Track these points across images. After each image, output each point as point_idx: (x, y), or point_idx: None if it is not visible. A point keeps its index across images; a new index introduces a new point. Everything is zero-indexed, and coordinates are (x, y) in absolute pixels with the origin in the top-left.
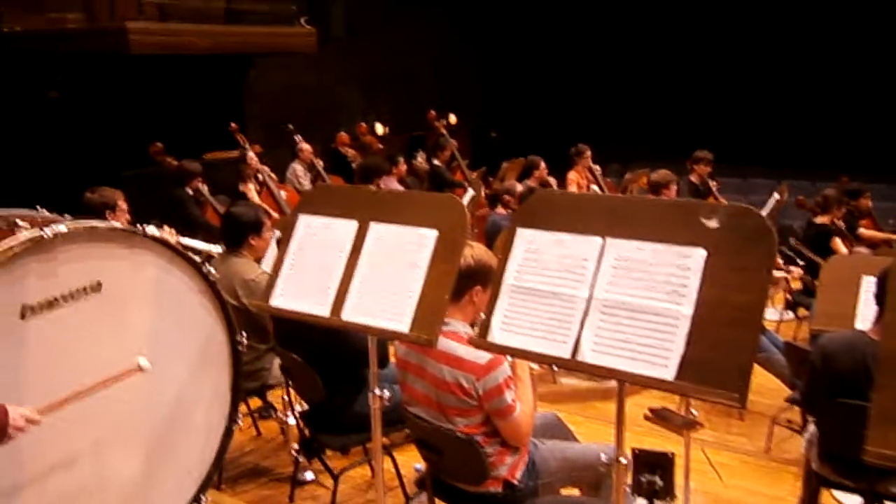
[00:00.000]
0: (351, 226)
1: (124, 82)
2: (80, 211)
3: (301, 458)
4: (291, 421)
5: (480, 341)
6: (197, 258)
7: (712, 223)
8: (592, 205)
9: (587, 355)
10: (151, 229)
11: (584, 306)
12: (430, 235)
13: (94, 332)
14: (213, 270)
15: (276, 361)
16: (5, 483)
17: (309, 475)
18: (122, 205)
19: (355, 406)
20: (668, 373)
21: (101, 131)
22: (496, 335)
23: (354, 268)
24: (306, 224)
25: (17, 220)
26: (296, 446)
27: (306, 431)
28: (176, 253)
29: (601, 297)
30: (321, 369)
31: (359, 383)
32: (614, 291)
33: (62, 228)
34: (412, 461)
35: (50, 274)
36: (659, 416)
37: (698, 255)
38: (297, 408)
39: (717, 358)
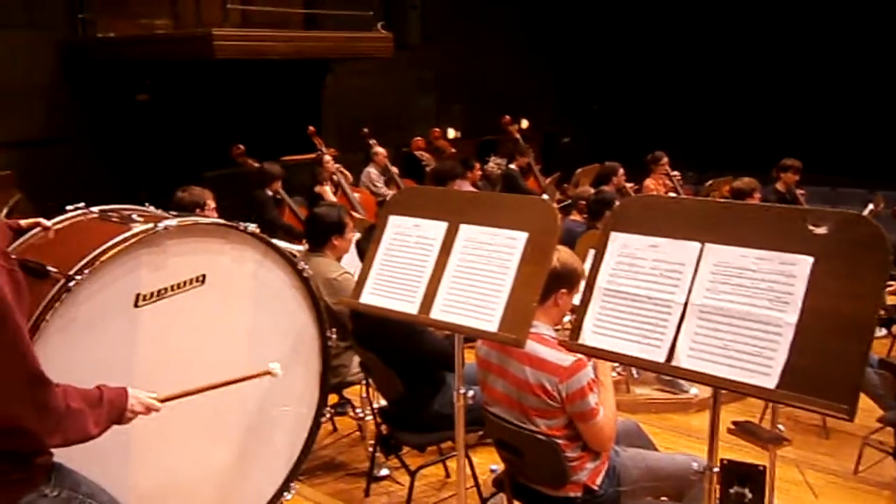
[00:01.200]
0: (441, 227)
1: (208, 86)
2: (169, 209)
3: (378, 454)
4: (369, 417)
5: (571, 343)
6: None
7: (821, 230)
8: (689, 210)
9: (683, 360)
10: (251, 226)
11: (680, 311)
12: (519, 237)
13: (197, 322)
14: (306, 267)
15: (356, 359)
16: (113, 464)
17: (384, 471)
18: (211, 203)
19: (434, 405)
20: (770, 381)
21: (186, 133)
22: (588, 337)
23: (444, 268)
24: (396, 224)
25: (132, 216)
26: (372, 442)
27: (383, 428)
28: (273, 249)
29: (699, 302)
30: (398, 368)
31: (436, 383)
32: (713, 297)
33: (172, 223)
34: (486, 462)
35: (161, 266)
36: (744, 430)
37: (805, 263)
38: (375, 405)
39: (824, 368)
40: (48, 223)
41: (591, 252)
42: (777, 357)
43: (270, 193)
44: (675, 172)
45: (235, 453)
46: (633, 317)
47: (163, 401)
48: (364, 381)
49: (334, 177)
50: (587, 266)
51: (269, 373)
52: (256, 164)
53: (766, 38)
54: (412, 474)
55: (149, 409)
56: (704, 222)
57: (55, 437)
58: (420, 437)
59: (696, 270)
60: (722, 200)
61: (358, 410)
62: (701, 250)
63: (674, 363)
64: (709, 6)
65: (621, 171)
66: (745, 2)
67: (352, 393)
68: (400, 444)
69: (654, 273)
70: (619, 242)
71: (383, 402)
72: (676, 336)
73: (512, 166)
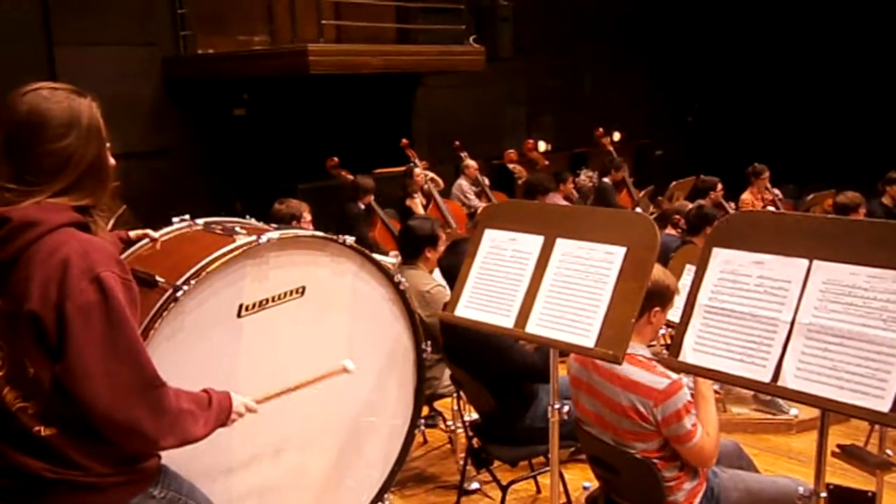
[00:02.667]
0: (537, 240)
1: (302, 100)
2: (266, 220)
3: (468, 467)
4: (460, 430)
5: (672, 361)
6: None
7: None
8: (795, 225)
9: (790, 381)
10: (350, 239)
11: (786, 330)
12: (618, 252)
13: (296, 333)
14: (403, 280)
15: (447, 371)
16: (217, 466)
17: (475, 485)
18: (307, 216)
19: (526, 419)
20: (884, 404)
21: (281, 146)
22: (689, 355)
23: (540, 282)
24: (491, 238)
25: (236, 227)
26: (462, 455)
27: (475, 441)
28: (369, 261)
29: (806, 321)
30: (487, 383)
31: (526, 396)
32: (822, 316)
33: (274, 235)
34: (578, 479)
35: (263, 277)
36: (850, 454)
37: None
38: (466, 417)
39: None
40: (156, 235)
41: (688, 267)
42: (891, 380)
43: (362, 206)
44: (776, 190)
45: (330, 463)
46: (736, 335)
47: (259, 402)
48: (455, 394)
49: (425, 187)
50: (686, 282)
51: (345, 370)
52: (350, 177)
53: (868, 47)
54: (503, 489)
55: (248, 410)
56: (812, 238)
57: (169, 439)
58: (511, 451)
59: (803, 288)
60: (830, 216)
61: (449, 423)
62: (809, 267)
63: (780, 383)
64: (806, 15)
65: (720, 185)
66: (844, 10)
67: (443, 405)
68: (491, 457)
69: (758, 290)
70: (721, 258)
71: (474, 415)
72: (783, 355)
73: (606, 180)
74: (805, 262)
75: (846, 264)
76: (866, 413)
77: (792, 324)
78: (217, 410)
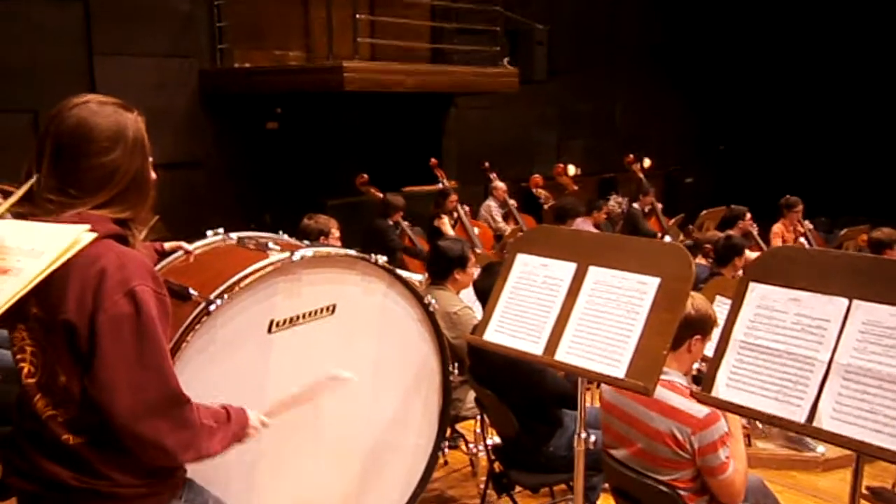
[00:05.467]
0: (569, 267)
1: (335, 116)
2: (295, 235)
3: (489, 491)
4: (482, 453)
5: (705, 396)
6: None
7: None
8: (835, 263)
9: (825, 422)
10: (381, 258)
11: (823, 370)
12: (651, 283)
13: (324, 350)
14: (433, 301)
15: (471, 393)
16: (240, 481)
17: None
18: (336, 232)
19: (550, 446)
20: None
21: (312, 161)
22: (721, 391)
23: (571, 309)
24: (523, 263)
25: (269, 243)
26: (483, 479)
27: (496, 465)
28: (399, 281)
29: (845, 361)
30: (514, 406)
31: (552, 423)
32: (861, 357)
33: (308, 253)
34: None
35: (295, 294)
36: (879, 497)
37: None
38: (489, 440)
39: None
40: (190, 247)
41: (718, 298)
42: None
43: (391, 223)
44: (808, 224)
45: (353, 481)
46: (771, 372)
47: (268, 414)
48: (478, 416)
49: (454, 212)
50: (720, 314)
51: (341, 378)
52: (379, 194)
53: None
54: None
55: (262, 425)
56: (852, 277)
57: (189, 453)
58: (534, 477)
59: (842, 328)
60: (871, 255)
61: (471, 445)
62: (848, 307)
63: (815, 424)
64: (840, 45)
65: (748, 215)
66: (878, 43)
67: (465, 427)
68: (512, 482)
69: (795, 328)
70: (757, 293)
71: (497, 439)
72: (819, 396)
73: (635, 205)
74: (845, 301)
75: (887, 305)
76: None
77: (829, 364)
78: (234, 426)
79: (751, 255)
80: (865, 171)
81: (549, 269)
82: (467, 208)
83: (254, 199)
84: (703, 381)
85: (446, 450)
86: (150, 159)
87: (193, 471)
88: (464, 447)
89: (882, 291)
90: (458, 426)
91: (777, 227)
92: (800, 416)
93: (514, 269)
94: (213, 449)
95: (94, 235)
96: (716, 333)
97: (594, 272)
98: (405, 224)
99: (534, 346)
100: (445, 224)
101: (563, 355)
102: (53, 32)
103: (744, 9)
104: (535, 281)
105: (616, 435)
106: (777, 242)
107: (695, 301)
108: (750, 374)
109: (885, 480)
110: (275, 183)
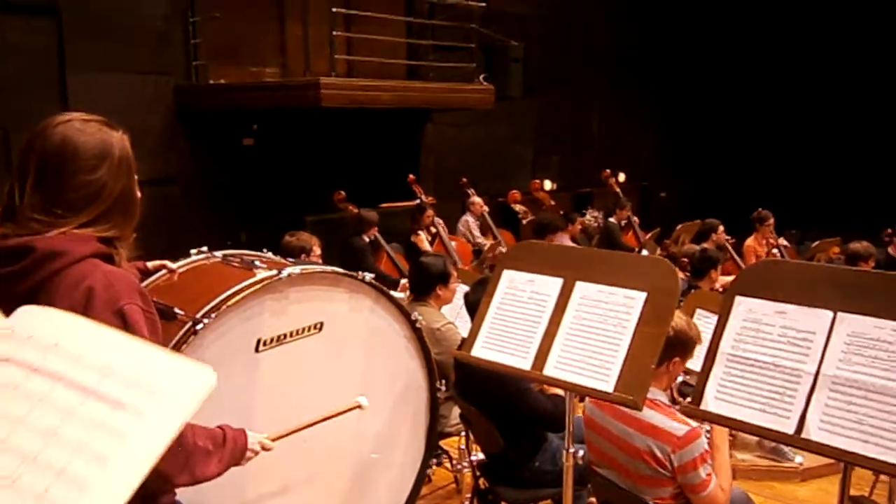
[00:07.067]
0: (556, 283)
1: (311, 133)
2: (275, 252)
3: None
4: (466, 470)
5: (694, 409)
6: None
7: None
8: (819, 276)
9: (813, 433)
10: (368, 276)
11: (810, 381)
12: (638, 297)
13: (312, 368)
14: (420, 318)
15: (455, 409)
16: (227, 501)
17: None
18: (317, 250)
19: (535, 461)
20: None
21: (288, 178)
22: (710, 404)
23: (558, 324)
24: (510, 278)
25: (254, 261)
26: (469, 496)
27: (481, 482)
28: (385, 298)
29: (831, 373)
30: (499, 423)
31: (537, 438)
32: (847, 369)
33: (295, 270)
34: None
35: (282, 312)
36: None
37: None
38: (473, 457)
39: None
40: (174, 266)
41: (698, 311)
42: None
43: (367, 239)
44: (781, 239)
45: (342, 499)
46: (759, 384)
47: (274, 440)
48: (463, 433)
49: (431, 228)
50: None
51: (358, 406)
52: (356, 210)
53: (872, 96)
54: None
55: (264, 448)
56: (836, 290)
57: (184, 476)
58: (519, 493)
59: (827, 340)
60: (855, 269)
61: (455, 462)
62: (833, 319)
63: (803, 435)
64: (812, 58)
65: (721, 227)
66: (849, 57)
67: (449, 444)
68: (498, 499)
69: (781, 340)
70: (744, 307)
71: (481, 455)
72: (806, 407)
73: (611, 220)
74: (829, 313)
75: (871, 317)
76: (893, 468)
77: (816, 375)
78: (232, 448)
79: (725, 279)
80: (835, 185)
81: (536, 284)
82: (442, 223)
83: (230, 217)
84: (692, 395)
85: (432, 467)
86: (136, 178)
87: (180, 493)
88: (448, 464)
89: (865, 304)
90: (443, 442)
91: (750, 242)
92: (788, 428)
93: (501, 285)
94: (209, 472)
95: (214, 382)
96: (702, 348)
97: (581, 287)
98: (382, 240)
99: (522, 362)
100: (423, 240)
101: (551, 370)
102: (25, 49)
103: (718, 26)
104: (521, 297)
105: (597, 452)
106: (751, 258)
107: (676, 321)
108: (738, 386)
109: (863, 489)
110: (251, 200)
